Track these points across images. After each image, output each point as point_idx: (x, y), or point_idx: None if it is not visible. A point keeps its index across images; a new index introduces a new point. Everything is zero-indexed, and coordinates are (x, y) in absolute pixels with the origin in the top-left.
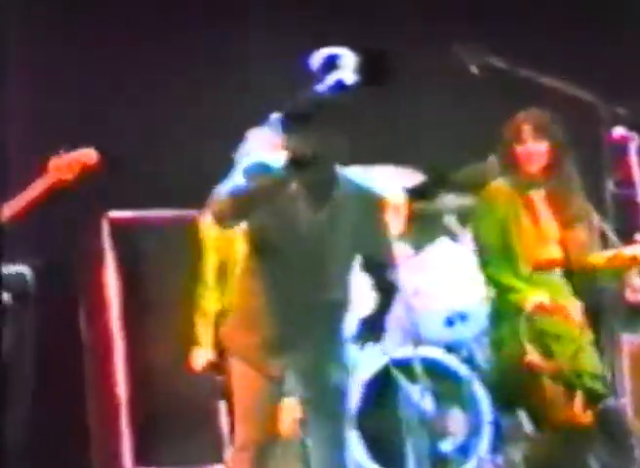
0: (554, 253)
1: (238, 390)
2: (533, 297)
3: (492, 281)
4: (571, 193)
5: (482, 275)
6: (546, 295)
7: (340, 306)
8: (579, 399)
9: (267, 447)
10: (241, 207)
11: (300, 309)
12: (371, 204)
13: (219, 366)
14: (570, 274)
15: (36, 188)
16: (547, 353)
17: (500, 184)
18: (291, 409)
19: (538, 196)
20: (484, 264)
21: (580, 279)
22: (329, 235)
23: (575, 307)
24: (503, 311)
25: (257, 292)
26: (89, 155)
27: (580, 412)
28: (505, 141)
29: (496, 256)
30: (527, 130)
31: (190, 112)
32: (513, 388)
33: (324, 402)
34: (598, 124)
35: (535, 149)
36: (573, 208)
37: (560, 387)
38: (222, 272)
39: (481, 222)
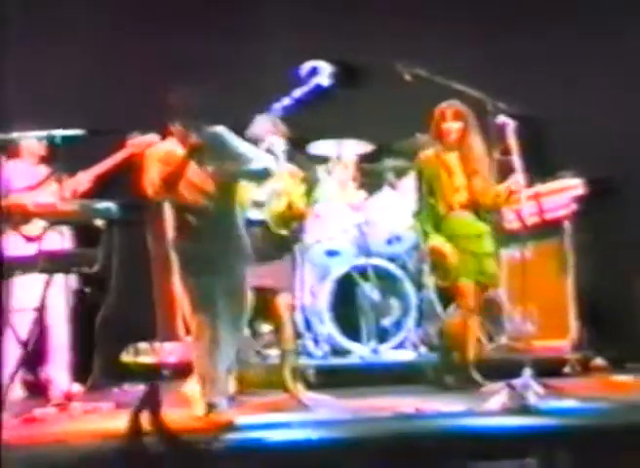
0: (462, 197)
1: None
2: (431, 240)
3: (430, 213)
4: (474, 155)
5: (424, 209)
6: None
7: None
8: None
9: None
10: None
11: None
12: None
13: None
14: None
15: (117, 157)
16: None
17: (427, 153)
18: None
19: (452, 157)
20: (425, 202)
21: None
22: None
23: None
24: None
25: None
26: (154, 138)
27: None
28: (435, 121)
29: (432, 196)
30: (449, 113)
31: None
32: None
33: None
34: (487, 113)
35: (453, 126)
36: (474, 165)
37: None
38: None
39: (422, 174)
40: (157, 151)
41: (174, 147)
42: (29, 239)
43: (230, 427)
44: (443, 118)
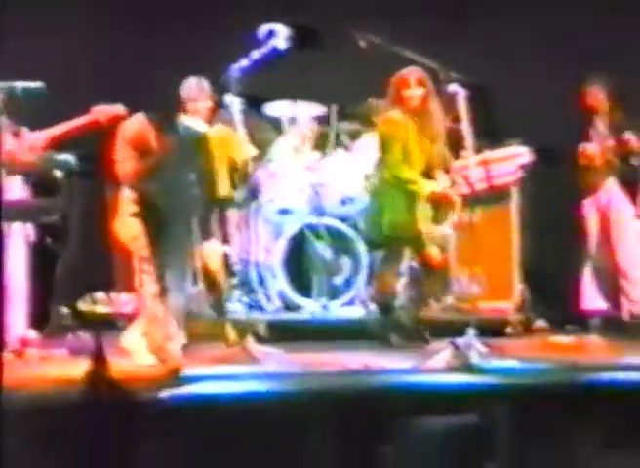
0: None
1: None
2: (429, 187)
3: (395, 176)
4: (434, 121)
5: (387, 171)
6: (436, 185)
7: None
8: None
9: None
10: None
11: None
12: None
13: None
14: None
15: (78, 122)
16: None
17: (395, 114)
18: None
19: (418, 123)
20: (390, 165)
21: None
22: None
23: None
24: (385, 192)
25: None
26: (119, 109)
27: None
28: (395, 87)
29: (398, 160)
30: (412, 79)
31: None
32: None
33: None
34: (439, 82)
35: (416, 93)
36: (435, 130)
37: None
38: None
39: (388, 136)
40: (127, 132)
41: (143, 127)
42: None
43: (178, 375)
44: (405, 84)
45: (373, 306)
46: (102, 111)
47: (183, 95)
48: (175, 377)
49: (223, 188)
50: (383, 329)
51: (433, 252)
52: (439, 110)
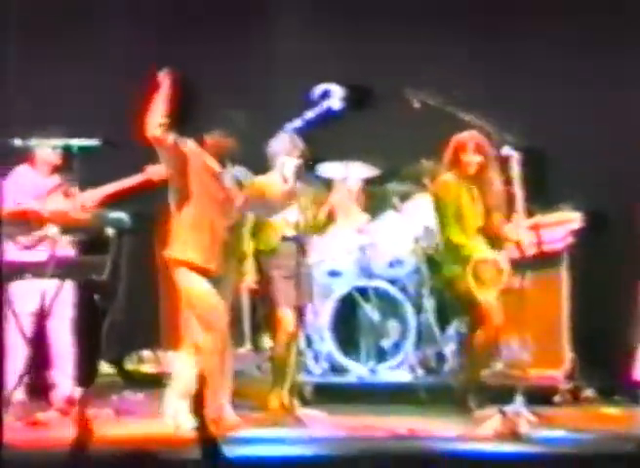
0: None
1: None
2: (479, 253)
3: (448, 240)
4: (492, 190)
5: (440, 235)
6: (487, 253)
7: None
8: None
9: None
10: None
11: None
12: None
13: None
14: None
15: (132, 180)
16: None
17: (450, 178)
18: None
19: (475, 189)
20: (442, 228)
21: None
22: None
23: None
24: (445, 258)
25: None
26: None
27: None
28: (453, 151)
29: (451, 223)
30: (470, 145)
31: None
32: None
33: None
34: (493, 144)
35: (474, 160)
36: (492, 199)
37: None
38: None
39: (442, 200)
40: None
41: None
42: (26, 247)
43: (226, 436)
44: (463, 149)
45: (421, 370)
46: (156, 171)
47: (275, 148)
48: (221, 439)
49: (271, 240)
50: (460, 391)
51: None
52: (498, 179)
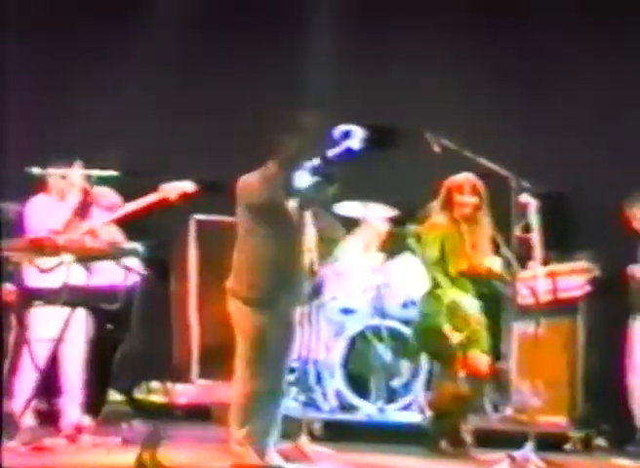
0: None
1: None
2: (451, 294)
3: (431, 277)
4: (482, 232)
5: (426, 273)
6: (459, 295)
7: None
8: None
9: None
10: None
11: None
12: None
13: None
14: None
15: (147, 200)
16: (457, 328)
17: (439, 219)
18: None
19: (465, 230)
20: (427, 266)
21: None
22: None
23: (474, 304)
24: (431, 300)
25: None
26: (190, 186)
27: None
28: (448, 192)
29: (435, 262)
30: (467, 187)
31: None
32: (432, 348)
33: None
34: (510, 191)
35: (469, 201)
36: (484, 240)
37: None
38: None
39: (427, 242)
40: None
41: None
42: (43, 271)
43: None
44: (459, 190)
45: (429, 412)
46: (172, 189)
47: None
48: None
49: None
50: (435, 434)
51: (480, 360)
52: (488, 223)
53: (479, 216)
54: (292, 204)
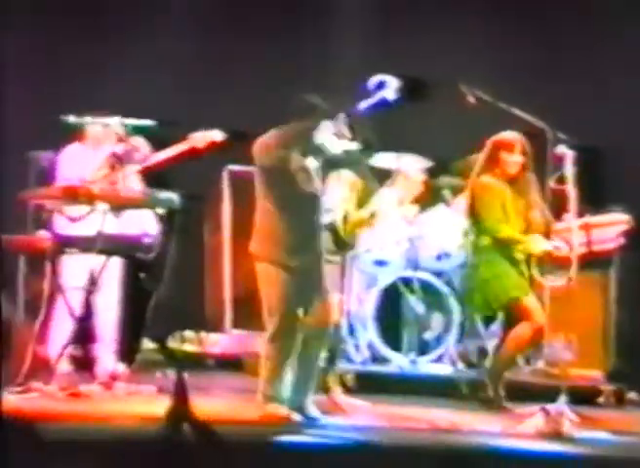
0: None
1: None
2: (540, 245)
3: (498, 237)
4: (530, 189)
5: (489, 233)
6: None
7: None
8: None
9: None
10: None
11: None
12: None
13: None
14: None
15: (176, 149)
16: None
17: (490, 180)
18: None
19: (513, 189)
20: (489, 227)
21: None
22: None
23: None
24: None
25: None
26: (219, 136)
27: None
28: (494, 149)
29: (499, 220)
30: (517, 146)
31: None
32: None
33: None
34: (547, 142)
35: (517, 160)
36: (530, 197)
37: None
38: None
39: (487, 203)
40: None
41: None
42: (72, 219)
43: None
44: (509, 149)
45: (461, 364)
46: (200, 138)
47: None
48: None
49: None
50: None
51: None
52: (534, 180)
53: (526, 176)
54: (312, 165)
